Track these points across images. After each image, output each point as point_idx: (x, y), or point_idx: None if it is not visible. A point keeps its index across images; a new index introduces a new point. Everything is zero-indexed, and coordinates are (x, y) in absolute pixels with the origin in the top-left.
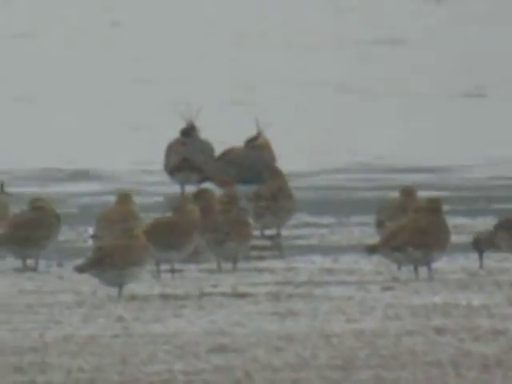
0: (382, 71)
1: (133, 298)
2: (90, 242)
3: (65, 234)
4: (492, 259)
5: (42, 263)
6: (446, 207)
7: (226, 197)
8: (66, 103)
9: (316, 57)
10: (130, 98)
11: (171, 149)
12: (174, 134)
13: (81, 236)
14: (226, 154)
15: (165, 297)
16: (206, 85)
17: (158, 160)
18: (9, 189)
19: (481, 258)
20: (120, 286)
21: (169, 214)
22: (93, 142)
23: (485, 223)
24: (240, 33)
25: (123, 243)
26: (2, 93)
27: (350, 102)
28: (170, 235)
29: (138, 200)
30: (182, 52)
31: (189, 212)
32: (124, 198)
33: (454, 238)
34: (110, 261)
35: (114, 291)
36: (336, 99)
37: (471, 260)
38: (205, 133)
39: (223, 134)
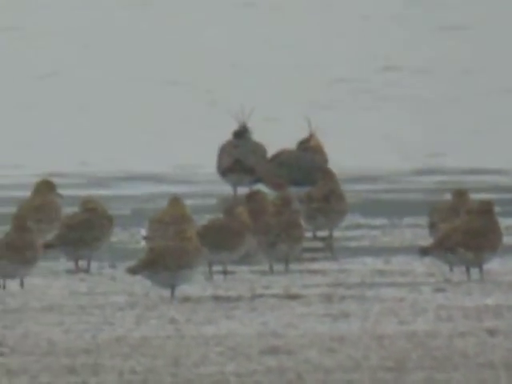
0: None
1: (185, 299)
2: (143, 244)
3: (117, 236)
4: None
5: (95, 265)
6: (498, 209)
7: (280, 199)
8: (109, 107)
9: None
10: (166, 100)
11: (224, 150)
12: (214, 134)
13: (133, 238)
14: (278, 155)
15: (217, 298)
16: (240, 86)
17: (208, 162)
18: (64, 191)
19: None
20: (172, 287)
21: (220, 216)
22: (142, 145)
23: None
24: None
25: (176, 245)
26: (63, 101)
27: (386, 104)
28: (222, 237)
29: (190, 202)
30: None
31: (238, 214)
32: (176, 200)
33: (507, 240)
34: (162, 262)
35: (166, 293)
36: (372, 102)
37: None
38: (256, 135)
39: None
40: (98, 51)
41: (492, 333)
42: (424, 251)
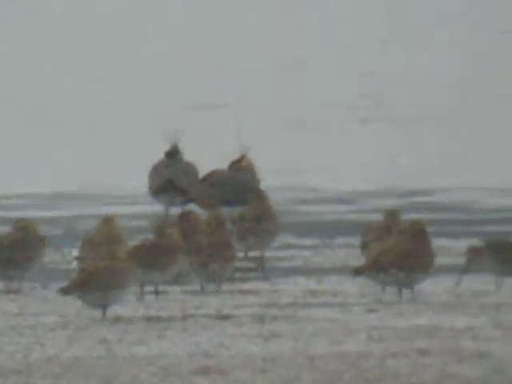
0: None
1: (117, 319)
2: (75, 264)
3: (49, 256)
4: (476, 281)
5: (26, 285)
6: (431, 229)
7: (213, 219)
8: (36, 126)
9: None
10: (94, 119)
11: (155, 170)
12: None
13: (65, 258)
14: (210, 176)
15: (148, 319)
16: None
17: (140, 182)
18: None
19: None
20: (104, 307)
21: (151, 237)
22: (76, 164)
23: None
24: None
25: (107, 265)
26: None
27: (328, 126)
28: (154, 257)
29: (122, 222)
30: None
31: (169, 234)
32: (108, 220)
33: (438, 260)
34: (94, 283)
35: (97, 313)
36: (314, 122)
37: (455, 282)
38: (188, 155)
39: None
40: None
41: (424, 353)
42: (356, 271)
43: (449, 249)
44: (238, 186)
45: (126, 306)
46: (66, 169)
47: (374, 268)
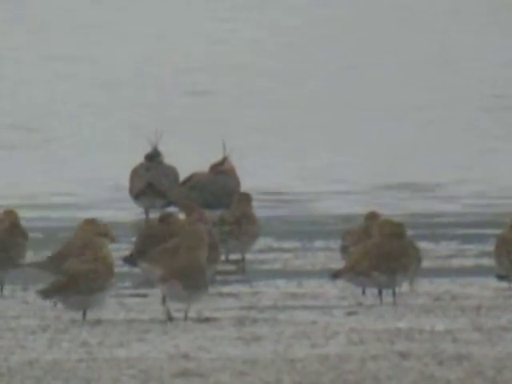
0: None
1: (97, 322)
2: None
3: (30, 259)
4: (456, 284)
5: (7, 288)
6: (411, 232)
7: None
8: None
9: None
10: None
11: (136, 173)
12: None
13: None
14: (191, 179)
15: (129, 321)
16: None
17: (122, 185)
18: None
19: None
20: (84, 310)
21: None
22: (56, 169)
23: (449, 248)
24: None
25: (88, 268)
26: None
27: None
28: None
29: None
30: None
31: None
32: (89, 223)
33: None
34: (74, 286)
35: (78, 316)
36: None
37: (435, 285)
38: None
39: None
40: None
41: (404, 356)
42: (336, 274)
43: (429, 251)
44: (218, 189)
45: (107, 308)
46: (42, 172)
47: (353, 271)
